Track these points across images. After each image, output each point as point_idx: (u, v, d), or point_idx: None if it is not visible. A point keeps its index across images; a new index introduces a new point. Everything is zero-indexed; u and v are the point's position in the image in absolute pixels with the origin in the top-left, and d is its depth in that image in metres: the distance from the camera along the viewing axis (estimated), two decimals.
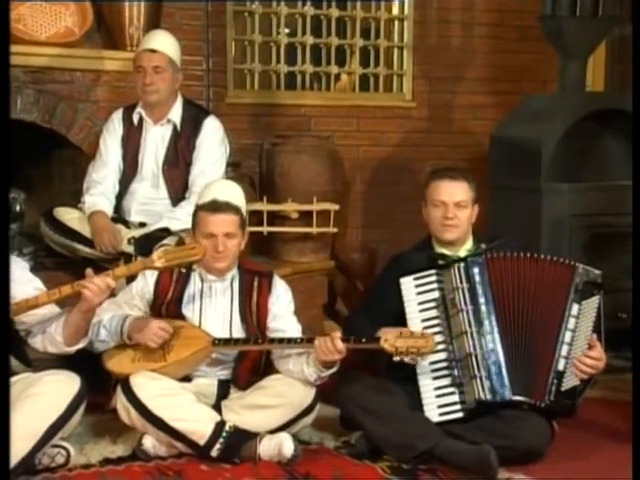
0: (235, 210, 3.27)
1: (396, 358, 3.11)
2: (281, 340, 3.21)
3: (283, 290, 3.40)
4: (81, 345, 3.09)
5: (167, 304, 3.30)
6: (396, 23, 5.38)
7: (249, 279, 3.36)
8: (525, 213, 4.46)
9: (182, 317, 3.28)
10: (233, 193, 3.34)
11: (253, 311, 3.32)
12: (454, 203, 3.33)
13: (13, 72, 4.11)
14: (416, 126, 5.37)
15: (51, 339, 3.05)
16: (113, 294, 3.29)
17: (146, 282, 3.33)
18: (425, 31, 5.32)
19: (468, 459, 3.00)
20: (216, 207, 3.24)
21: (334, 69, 5.29)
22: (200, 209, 3.28)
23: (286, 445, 3.05)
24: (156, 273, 3.29)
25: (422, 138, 5.36)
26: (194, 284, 3.32)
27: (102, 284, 2.96)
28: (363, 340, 3.12)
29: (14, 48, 4.12)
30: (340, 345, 3.07)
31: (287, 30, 5.19)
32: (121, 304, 3.32)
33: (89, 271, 3.01)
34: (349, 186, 5.19)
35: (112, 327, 3.21)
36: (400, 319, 3.24)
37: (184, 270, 3.29)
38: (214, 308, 3.31)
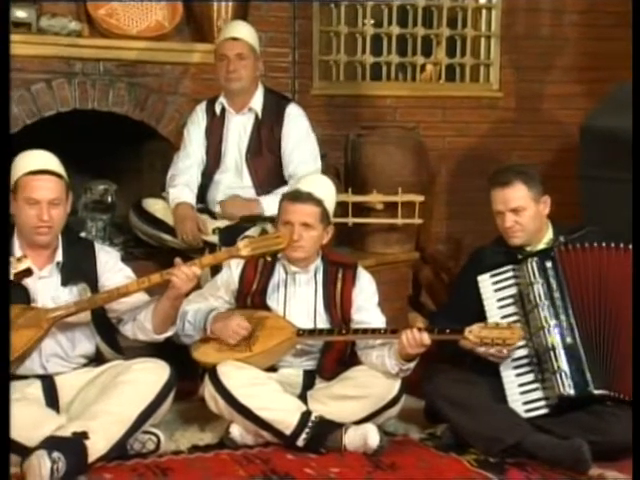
0: (316, 202, 3.28)
1: (480, 349, 3.09)
2: (365, 331, 3.21)
3: (367, 282, 3.40)
4: (169, 333, 3.14)
5: (252, 295, 3.33)
6: (484, 12, 5.33)
7: (333, 271, 3.36)
8: (616, 204, 4.36)
9: (267, 308, 3.31)
10: (320, 186, 3.35)
11: (337, 303, 3.32)
12: (511, 210, 3.25)
13: (106, 66, 4.23)
14: (503, 116, 5.30)
15: (141, 326, 3.10)
16: (199, 286, 3.34)
17: (231, 273, 3.36)
18: (513, 19, 5.25)
19: (559, 454, 2.96)
20: (297, 196, 3.27)
21: (420, 59, 5.26)
22: (283, 198, 3.32)
23: (372, 436, 3.05)
24: (241, 264, 3.33)
25: (509, 128, 5.29)
26: (278, 275, 3.34)
27: (190, 272, 3.00)
28: (447, 331, 3.10)
29: (107, 42, 4.25)
30: (425, 338, 3.06)
31: (372, 21, 5.17)
32: (206, 296, 3.37)
33: (178, 260, 3.06)
34: (434, 177, 5.15)
35: (196, 322, 3.25)
36: (482, 316, 3.20)
37: (269, 259, 3.30)
38: (298, 299, 3.33)
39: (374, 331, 3.20)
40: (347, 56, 5.15)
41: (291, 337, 3.20)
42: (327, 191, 3.36)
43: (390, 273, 4.44)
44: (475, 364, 3.21)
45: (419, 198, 4.48)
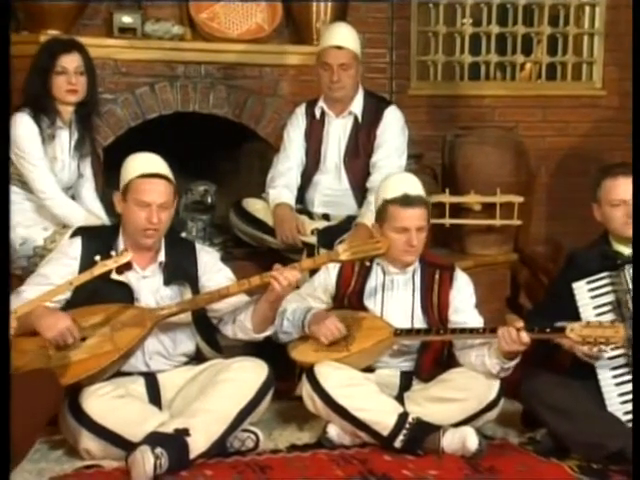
0: (425, 204, 3.28)
1: (582, 349, 3.03)
2: (463, 330, 3.18)
3: (465, 283, 3.37)
4: (268, 332, 3.18)
5: (349, 296, 3.34)
6: (587, 9, 5.22)
7: (430, 272, 3.35)
8: None
9: (364, 309, 3.31)
10: (420, 187, 3.34)
11: (434, 304, 3.31)
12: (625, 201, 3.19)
13: (207, 69, 4.31)
14: (605, 115, 5.18)
15: (241, 326, 3.14)
16: (297, 285, 3.36)
17: (328, 274, 3.37)
18: (618, 16, 5.12)
19: None
20: (409, 201, 3.25)
21: (520, 58, 5.19)
22: (391, 203, 3.26)
23: (470, 439, 3.03)
24: (338, 265, 3.34)
25: (611, 127, 5.16)
26: (376, 277, 3.34)
27: (290, 276, 3.02)
28: (547, 330, 3.05)
29: (208, 46, 4.33)
30: (524, 337, 3.02)
31: (471, 20, 5.12)
32: (304, 296, 3.39)
33: (277, 266, 3.08)
34: (534, 177, 5.07)
35: (295, 320, 3.27)
36: (576, 321, 3.13)
37: (368, 263, 3.31)
38: (395, 301, 3.32)
39: (472, 330, 3.17)
40: (445, 56, 5.11)
41: (388, 337, 3.20)
42: (423, 189, 3.35)
43: (488, 275, 4.40)
44: (573, 367, 3.16)
45: (518, 199, 4.42)
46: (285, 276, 3.01)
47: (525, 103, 5.12)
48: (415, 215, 3.23)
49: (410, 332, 3.22)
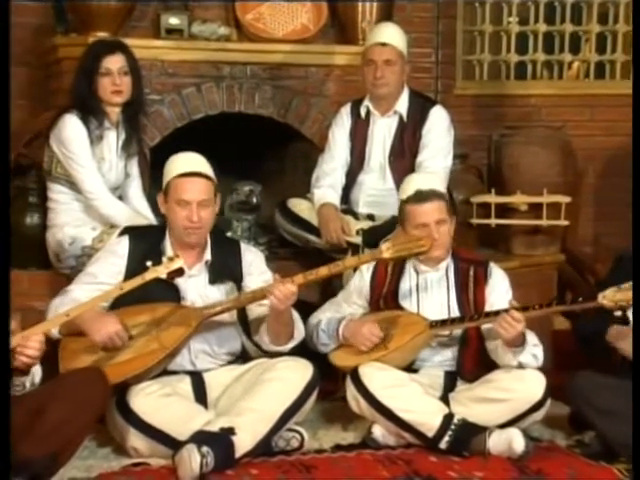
0: (440, 197, 3.27)
1: (617, 313, 3.00)
2: (497, 313, 3.11)
3: (500, 278, 3.35)
4: (290, 345, 3.16)
5: (384, 297, 3.33)
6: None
7: (464, 268, 3.33)
8: None
9: (400, 309, 3.30)
10: (433, 181, 3.35)
11: (470, 301, 3.29)
12: None
13: (253, 69, 4.33)
14: None
15: (260, 339, 3.16)
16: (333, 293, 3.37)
17: (362, 278, 3.37)
18: None
19: None
20: (423, 197, 3.25)
21: (567, 57, 5.14)
22: (407, 202, 3.29)
23: (516, 440, 3.00)
24: (371, 268, 3.34)
25: None
26: (409, 277, 3.34)
27: (286, 291, 2.97)
28: (580, 300, 3.04)
29: (254, 46, 4.35)
30: (517, 315, 2.99)
31: (517, 18, 5.09)
32: (340, 303, 3.39)
33: (276, 276, 3.04)
34: (581, 177, 5.01)
35: (329, 331, 3.28)
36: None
37: (414, 261, 3.30)
38: (431, 299, 3.31)
39: (506, 311, 3.11)
40: (491, 55, 5.09)
41: (424, 330, 3.18)
42: (439, 183, 3.37)
43: (535, 275, 4.36)
44: (622, 369, 3.13)
45: (565, 199, 4.38)
46: (281, 290, 2.97)
47: (572, 102, 5.06)
48: (431, 209, 3.23)
49: (445, 322, 3.20)
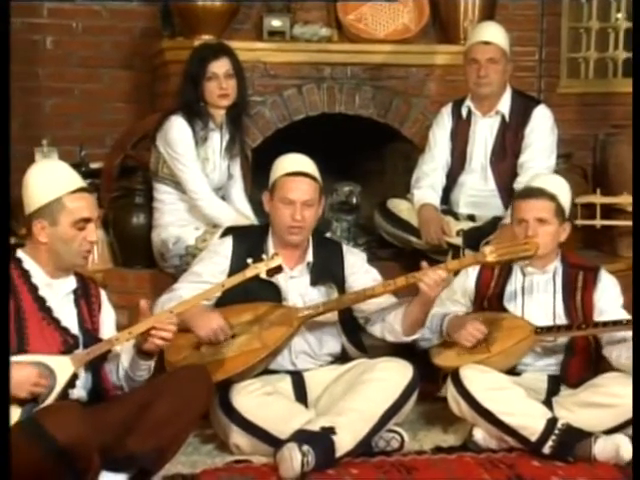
0: (549, 197, 3.21)
1: None
2: (605, 324, 3.08)
3: (610, 284, 3.28)
4: (417, 335, 3.16)
5: (488, 299, 3.30)
6: None
7: (573, 273, 3.27)
8: None
9: (504, 311, 3.26)
10: (551, 181, 3.31)
11: (578, 306, 3.23)
12: None
13: (353, 70, 4.34)
14: None
15: (390, 328, 3.14)
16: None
17: (467, 277, 3.34)
18: None
19: None
20: (529, 193, 3.24)
21: None
22: (515, 197, 3.31)
23: (624, 447, 2.93)
24: (477, 268, 3.30)
25: None
26: (515, 277, 3.29)
27: (437, 277, 2.99)
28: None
29: (355, 47, 4.36)
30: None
31: (626, 14, 4.96)
32: (444, 300, 3.35)
33: (424, 264, 3.07)
34: None
35: (433, 326, 3.25)
36: None
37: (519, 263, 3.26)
38: (536, 302, 3.26)
39: (615, 323, 3.07)
40: (598, 52, 4.97)
41: (529, 335, 3.13)
42: (560, 186, 3.29)
43: None
44: None
45: None
46: (431, 276, 2.99)
47: None
48: (532, 206, 3.19)
49: (551, 329, 3.15)
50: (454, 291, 3.36)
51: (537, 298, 3.26)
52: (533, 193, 3.23)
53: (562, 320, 3.21)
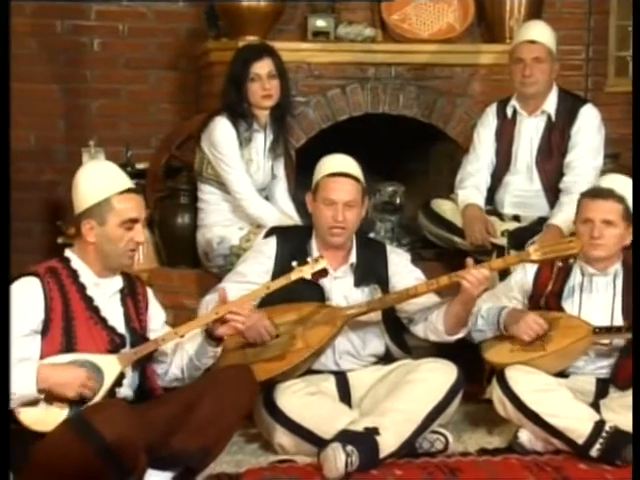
0: (618, 199, 3.17)
1: None
2: None
3: None
4: (461, 335, 3.14)
5: (546, 297, 3.26)
6: None
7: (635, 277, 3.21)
8: None
9: (561, 310, 3.22)
10: (621, 183, 3.25)
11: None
12: None
13: (397, 70, 4.33)
14: None
15: (432, 328, 3.13)
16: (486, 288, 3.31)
17: (525, 274, 3.31)
18: None
19: None
20: (598, 193, 3.19)
21: None
22: (583, 196, 3.25)
23: None
24: (536, 265, 3.26)
25: None
26: (574, 277, 3.25)
27: (480, 275, 2.97)
28: None
29: (399, 47, 4.35)
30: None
31: None
32: (499, 296, 3.33)
33: (469, 261, 3.05)
34: None
35: (489, 317, 3.22)
36: None
37: (571, 261, 3.22)
38: (594, 303, 3.21)
39: None
40: None
41: (586, 335, 3.09)
42: (629, 188, 3.23)
43: None
44: None
45: None
46: (474, 274, 2.97)
47: None
48: (600, 207, 3.15)
49: (610, 330, 3.11)
50: (511, 287, 3.34)
51: (596, 299, 3.22)
52: (602, 193, 3.18)
53: (620, 322, 3.16)
